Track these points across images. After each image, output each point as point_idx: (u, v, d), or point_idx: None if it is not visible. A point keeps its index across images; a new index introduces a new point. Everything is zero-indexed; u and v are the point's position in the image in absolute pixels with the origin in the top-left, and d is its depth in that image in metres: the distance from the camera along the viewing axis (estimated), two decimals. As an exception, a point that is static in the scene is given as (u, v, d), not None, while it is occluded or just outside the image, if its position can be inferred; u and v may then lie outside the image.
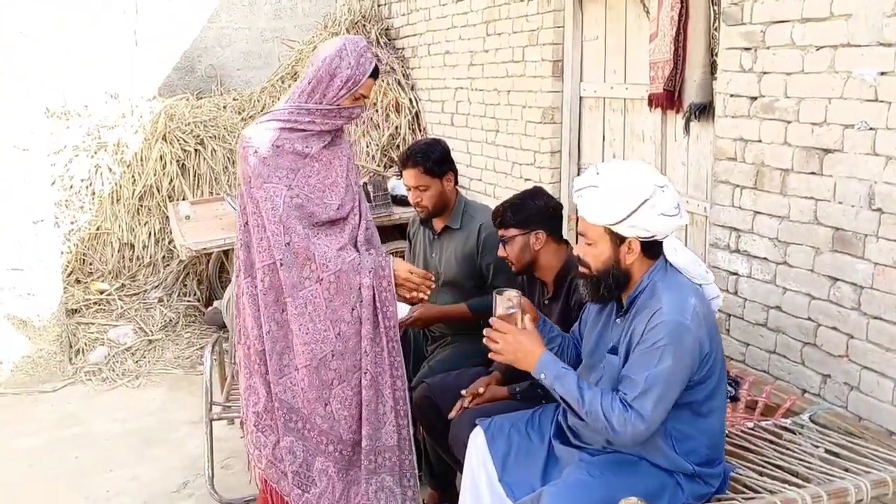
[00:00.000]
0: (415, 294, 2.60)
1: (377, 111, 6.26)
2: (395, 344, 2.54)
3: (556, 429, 2.33)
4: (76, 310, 5.35)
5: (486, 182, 5.25)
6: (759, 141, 2.96)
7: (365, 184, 5.43)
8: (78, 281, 5.72)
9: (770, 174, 2.93)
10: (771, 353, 3.00)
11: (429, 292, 2.63)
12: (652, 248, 2.12)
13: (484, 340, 2.19)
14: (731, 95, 3.08)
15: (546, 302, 2.81)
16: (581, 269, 2.21)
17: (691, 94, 3.39)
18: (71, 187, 5.93)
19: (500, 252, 2.82)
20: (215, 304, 5.37)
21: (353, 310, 2.46)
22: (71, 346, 4.89)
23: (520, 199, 2.84)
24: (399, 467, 2.55)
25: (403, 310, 3.13)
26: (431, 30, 5.89)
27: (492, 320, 2.19)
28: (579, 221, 2.22)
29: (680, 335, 1.98)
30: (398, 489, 2.54)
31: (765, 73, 2.92)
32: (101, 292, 5.58)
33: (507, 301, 2.23)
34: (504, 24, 4.79)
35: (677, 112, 3.55)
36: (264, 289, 2.46)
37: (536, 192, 2.90)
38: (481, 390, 2.74)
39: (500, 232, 2.81)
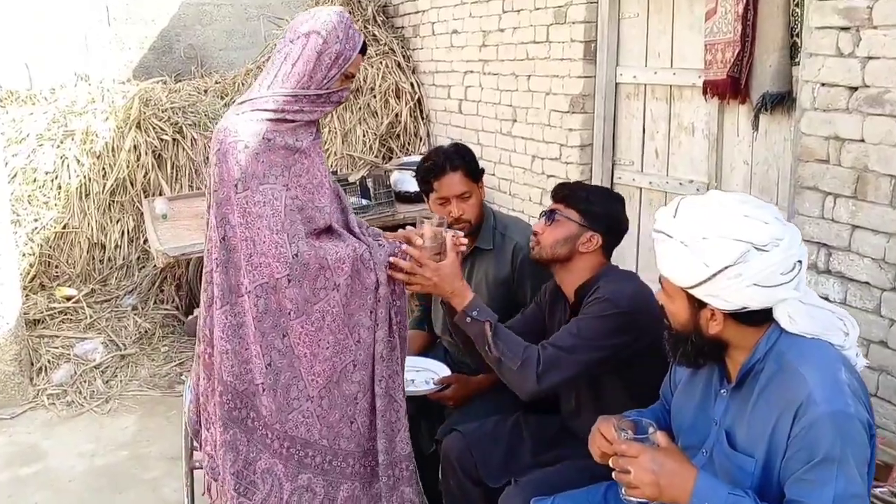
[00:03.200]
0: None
1: (375, 97, 5.69)
2: (404, 342, 2.24)
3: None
4: (39, 320, 4.76)
5: (500, 177, 4.71)
6: (862, 140, 2.44)
7: (363, 178, 4.87)
8: (42, 286, 5.12)
9: (876, 181, 2.41)
10: (871, 397, 2.49)
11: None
12: (753, 317, 1.57)
13: (613, 475, 1.61)
14: (823, 85, 2.55)
15: (567, 320, 2.27)
16: (666, 320, 1.70)
17: (764, 81, 2.86)
18: (35, 181, 5.30)
19: (537, 226, 2.29)
20: (196, 312, 4.80)
21: (371, 312, 2.14)
22: (32, 365, 4.31)
23: (601, 191, 2.36)
24: (415, 477, 2.27)
25: (423, 383, 2.61)
26: (436, 6, 5.31)
27: (616, 445, 1.60)
28: None
29: (848, 430, 1.45)
30: (418, 499, 2.27)
31: (870, 58, 2.39)
32: (68, 299, 4.99)
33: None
34: (524, 0, 4.23)
35: (742, 102, 3.03)
36: (259, 314, 2.02)
37: (620, 199, 2.38)
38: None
39: (555, 205, 2.28)
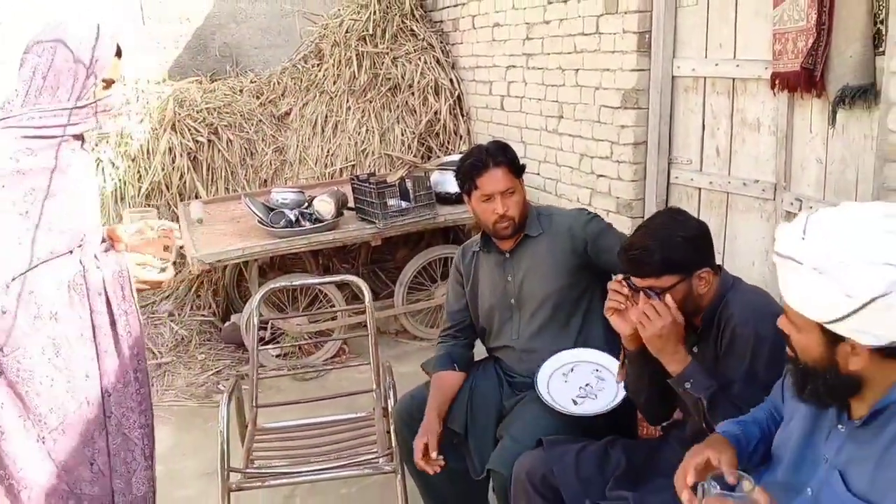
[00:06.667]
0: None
1: (413, 94, 5.51)
2: (143, 374, 2.09)
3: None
4: (74, 328, 4.66)
5: (545, 176, 4.50)
6: (961, 137, 2.19)
7: (403, 179, 4.69)
8: (77, 292, 5.03)
9: (979, 183, 2.16)
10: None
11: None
12: None
13: None
14: (915, 75, 2.31)
15: (694, 349, 2.01)
16: (787, 349, 1.48)
17: (843, 73, 2.61)
18: (69, 184, 5.22)
19: (650, 311, 1.90)
20: (233, 318, 4.68)
21: (92, 343, 1.98)
22: (66, 374, 4.21)
23: (662, 232, 1.93)
24: None
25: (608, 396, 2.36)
26: (476, -1, 5.11)
27: None
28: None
29: None
30: None
31: (972, 44, 2.15)
32: (104, 305, 4.89)
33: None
34: (571, -10, 4.01)
35: (817, 96, 2.78)
36: None
37: (677, 216, 2.02)
38: None
39: (649, 282, 1.91)
